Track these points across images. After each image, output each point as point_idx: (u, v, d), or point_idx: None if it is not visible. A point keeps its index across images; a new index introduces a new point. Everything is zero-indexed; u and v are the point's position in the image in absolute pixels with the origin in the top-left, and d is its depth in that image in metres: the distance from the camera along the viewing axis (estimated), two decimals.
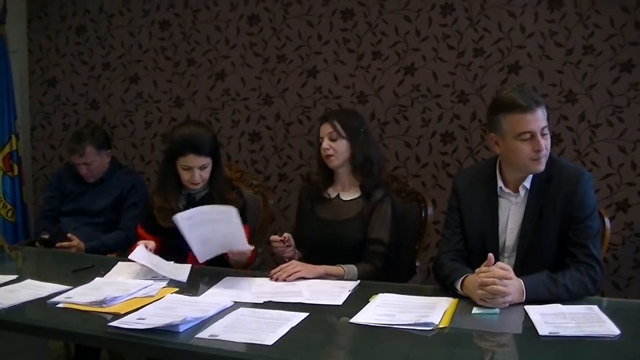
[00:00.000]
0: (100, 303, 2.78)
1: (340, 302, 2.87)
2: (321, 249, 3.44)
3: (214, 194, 3.74)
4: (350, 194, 3.62)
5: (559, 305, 2.64)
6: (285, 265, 3.22)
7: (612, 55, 4.47)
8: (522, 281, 2.73)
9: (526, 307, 2.64)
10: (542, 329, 2.38)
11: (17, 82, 5.85)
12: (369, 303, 2.78)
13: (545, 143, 2.93)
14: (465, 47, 4.79)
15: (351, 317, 2.59)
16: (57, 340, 3.44)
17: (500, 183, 3.12)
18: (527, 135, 2.91)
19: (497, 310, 2.65)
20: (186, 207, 3.72)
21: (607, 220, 3.39)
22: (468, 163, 4.79)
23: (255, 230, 4.12)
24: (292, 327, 2.47)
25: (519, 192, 3.08)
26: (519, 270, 2.98)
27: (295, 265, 3.21)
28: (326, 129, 3.58)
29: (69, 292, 2.99)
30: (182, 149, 3.60)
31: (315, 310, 2.72)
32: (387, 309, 2.69)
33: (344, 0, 5.07)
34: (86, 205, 4.67)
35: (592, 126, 4.54)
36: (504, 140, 2.99)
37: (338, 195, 3.65)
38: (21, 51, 6.02)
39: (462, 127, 4.83)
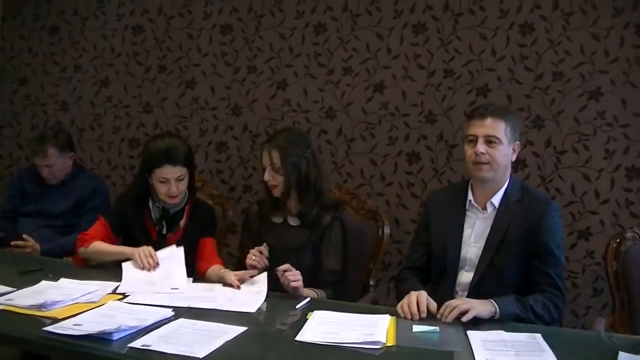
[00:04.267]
0: (40, 307, 2.76)
1: (253, 310, 2.92)
2: (269, 274, 3.27)
3: (190, 207, 3.83)
4: (295, 220, 3.57)
5: (502, 331, 2.64)
6: (293, 269, 3.18)
7: (581, 82, 4.46)
8: (491, 300, 2.85)
9: (469, 332, 2.64)
10: (480, 356, 2.37)
11: None
12: (308, 320, 2.77)
13: (490, 151, 3.08)
14: (436, 68, 4.78)
15: (295, 333, 2.58)
16: None
17: (470, 197, 3.24)
18: (471, 138, 3.11)
19: (437, 329, 2.68)
20: (159, 221, 3.74)
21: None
22: (433, 184, 4.77)
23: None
24: (226, 341, 2.44)
25: (486, 208, 3.20)
26: (477, 286, 3.13)
27: (298, 273, 3.17)
28: (266, 158, 3.50)
29: (11, 294, 2.95)
30: (158, 161, 3.61)
31: (254, 324, 2.70)
32: (328, 327, 2.68)
33: (317, 14, 5.05)
34: (46, 207, 4.63)
35: (557, 152, 4.52)
36: (464, 143, 3.20)
37: (285, 220, 3.60)
38: None
39: (429, 148, 4.80)
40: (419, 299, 2.83)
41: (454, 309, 2.75)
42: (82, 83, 5.77)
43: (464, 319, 2.72)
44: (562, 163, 4.52)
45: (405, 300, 2.86)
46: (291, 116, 5.13)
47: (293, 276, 3.14)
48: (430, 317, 2.81)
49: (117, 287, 3.15)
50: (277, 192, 3.51)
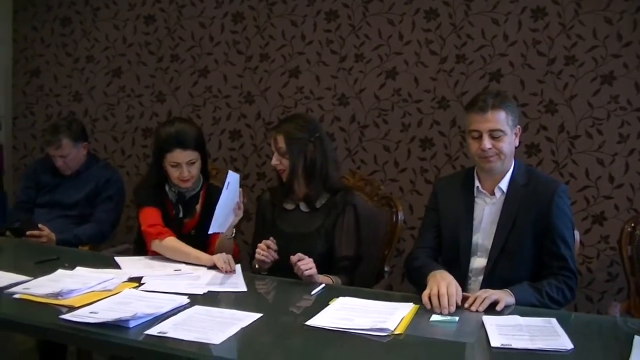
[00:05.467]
0: (56, 295, 2.76)
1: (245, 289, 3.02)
2: (283, 261, 3.29)
3: (205, 192, 3.86)
4: (308, 206, 3.57)
5: (517, 316, 2.64)
6: (306, 257, 3.17)
7: (594, 66, 4.45)
8: (507, 290, 2.84)
9: (484, 317, 2.63)
10: (495, 340, 2.37)
11: (1, 72, 5.84)
12: (328, 306, 2.77)
13: (496, 144, 3.06)
14: (448, 53, 4.77)
15: (307, 320, 2.57)
16: (7, 331, 3.40)
17: (477, 183, 3.23)
18: (475, 134, 3.08)
19: (455, 319, 2.66)
20: (176, 205, 3.75)
21: (577, 233, 3.36)
22: (446, 169, 4.77)
23: None
24: (242, 327, 2.45)
25: (494, 193, 3.19)
26: (490, 271, 3.13)
27: (311, 261, 3.17)
28: (273, 143, 3.53)
29: (28, 283, 2.97)
30: (169, 145, 3.63)
31: (269, 311, 2.71)
32: (346, 313, 2.68)
33: (328, 1, 5.04)
34: (61, 198, 4.65)
35: (571, 137, 4.51)
36: (466, 136, 3.16)
37: (297, 206, 3.60)
38: (6, 41, 5.99)
39: (442, 134, 4.80)
40: (449, 291, 2.75)
41: (483, 299, 2.74)
42: (94, 73, 5.79)
43: (498, 307, 2.72)
44: (575, 148, 4.51)
45: (434, 291, 2.77)
46: (304, 103, 5.13)
47: (305, 265, 3.14)
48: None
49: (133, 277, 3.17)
50: (284, 177, 3.53)
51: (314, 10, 5.09)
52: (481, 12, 4.67)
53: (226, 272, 3.28)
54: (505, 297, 2.78)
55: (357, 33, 4.99)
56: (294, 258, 3.15)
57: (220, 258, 3.35)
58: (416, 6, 4.83)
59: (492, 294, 2.76)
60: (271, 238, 3.38)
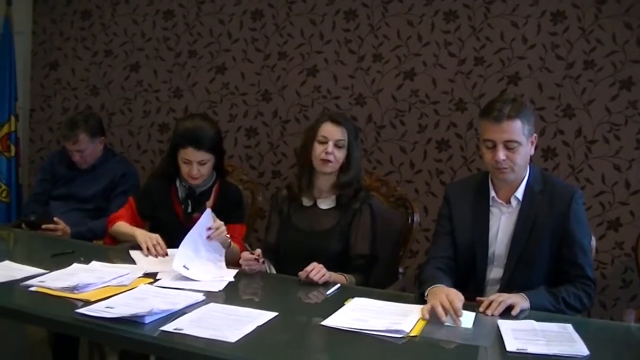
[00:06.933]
0: (72, 289, 2.77)
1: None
2: (298, 258, 3.31)
3: (218, 188, 3.87)
4: (327, 203, 3.56)
5: (532, 321, 2.62)
6: (315, 266, 3.13)
7: (613, 71, 4.44)
8: (522, 294, 2.80)
9: (499, 321, 2.62)
10: (510, 345, 2.36)
11: (19, 64, 5.86)
12: (344, 306, 2.76)
13: (511, 156, 2.97)
14: (466, 55, 4.77)
15: (323, 319, 2.57)
16: (22, 322, 3.42)
17: (492, 193, 3.15)
18: (490, 144, 2.99)
19: (473, 314, 2.66)
20: (185, 199, 3.77)
21: (592, 239, 3.34)
22: (462, 172, 4.77)
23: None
24: (258, 326, 2.46)
25: (510, 202, 3.11)
26: (508, 281, 3.06)
27: (322, 268, 3.13)
28: (335, 133, 3.48)
29: (44, 276, 2.97)
30: (183, 141, 3.65)
31: (285, 310, 2.71)
32: (361, 314, 2.67)
33: (348, 1, 5.05)
34: (77, 191, 4.66)
35: (588, 142, 4.50)
36: (480, 142, 3.10)
37: (315, 203, 3.59)
38: (25, 33, 6.03)
39: (458, 136, 4.80)
40: (449, 298, 2.66)
41: (499, 303, 2.70)
42: (112, 67, 5.81)
43: (513, 312, 2.68)
44: (592, 153, 4.51)
45: (435, 304, 2.66)
46: (321, 102, 5.14)
47: (318, 275, 3.11)
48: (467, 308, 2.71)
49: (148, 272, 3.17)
50: (330, 168, 3.48)
51: (333, 10, 5.10)
52: (501, 15, 4.67)
53: (155, 256, 3.42)
54: (520, 301, 2.74)
55: (376, 33, 4.99)
56: (301, 275, 3.12)
57: (145, 240, 3.49)
58: (436, 8, 4.83)
59: (508, 298, 2.73)
60: (258, 250, 3.31)
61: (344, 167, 3.51)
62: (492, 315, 2.69)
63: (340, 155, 3.47)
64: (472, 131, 4.75)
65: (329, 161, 3.45)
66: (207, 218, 3.35)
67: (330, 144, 3.45)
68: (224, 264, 3.38)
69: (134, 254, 3.47)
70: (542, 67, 4.59)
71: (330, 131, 3.48)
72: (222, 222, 3.42)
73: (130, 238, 3.67)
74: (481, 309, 2.74)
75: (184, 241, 3.21)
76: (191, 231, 3.25)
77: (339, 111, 3.92)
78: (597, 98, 4.48)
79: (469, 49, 4.77)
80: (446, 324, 2.60)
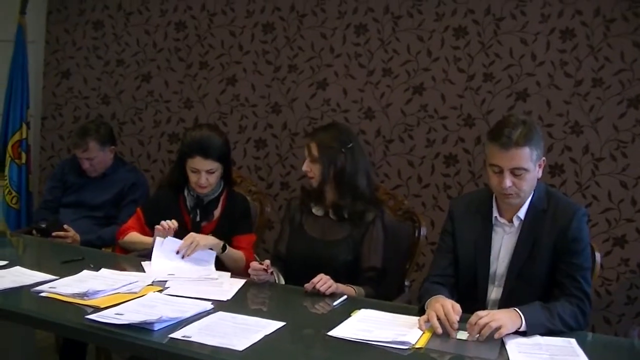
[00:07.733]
0: (82, 295, 2.81)
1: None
2: (308, 267, 3.35)
3: (225, 198, 3.92)
4: (337, 214, 3.59)
5: (537, 336, 2.64)
6: (322, 277, 3.16)
7: (621, 89, 4.46)
8: (516, 309, 2.71)
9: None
10: (515, 358, 2.39)
11: (32, 72, 5.89)
12: (350, 317, 2.79)
13: (517, 183, 2.92)
14: (475, 71, 4.79)
15: (329, 330, 2.59)
16: (33, 327, 3.45)
17: (495, 213, 3.12)
18: (496, 169, 2.93)
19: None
20: (194, 208, 3.81)
21: (597, 255, 3.35)
22: (469, 187, 4.78)
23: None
24: (265, 335, 2.49)
25: (513, 222, 3.08)
26: (507, 299, 3.01)
27: (328, 279, 3.16)
28: (306, 150, 3.59)
29: (54, 282, 3.03)
30: (191, 151, 3.70)
31: (292, 320, 2.74)
32: (367, 325, 2.70)
33: (358, 15, 5.08)
34: (87, 199, 4.71)
35: (595, 159, 4.52)
36: (486, 166, 3.04)
37: (327, 213, 3.62)
38: (38, 42, 6.06)
39: (466, 151, 4.82)
40: (445, 310, 2.68)
41: (483, 327, 2.59)
42: (124, 77, 5.84)
43: (496, 336, 2.58)
44: (599, 170, 4.52)
45: (431, 315, 2.70)
46: (330, 115, 5.16)
47: (325, 286, 3.13)
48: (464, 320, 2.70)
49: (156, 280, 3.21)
50: (314, 183, 3.57)
51: (344, 24, 5.13)
52: (510, 32, 4.70)
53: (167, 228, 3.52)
54: (508, 324, 2.63)
55: (386, 48, 5.01)
56: (307, 287, 3.15)
57: (162, 223, 3.54)
58: (446, 23, 4.85)
59: (493, 321, 2.60)
60: (267, 261, 3.33)
61: (338, 186, 3.56)
62: (477, 339, 2.60)
63: (316, 169, 3.54)
64: (480, 146, 4.76)
65: (310, 177, 3.59)
66: (171, 244, 3.51)
67: (306, 161, 3.59)
68: (212, 266, 3.51)
69: (144, 264, 3.51)
70: (551, 84, 4.61)
71: (305, 148, 3.63)
72: (192, 234, 3.54)
73: (146, 246, 3.71)
74: (467, 331, 2.64)
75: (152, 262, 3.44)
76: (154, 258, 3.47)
77: (329, 125, 3.88)
78: (605, 116, 4.49)
79: (478, 65, 4.79)
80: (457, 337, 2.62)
